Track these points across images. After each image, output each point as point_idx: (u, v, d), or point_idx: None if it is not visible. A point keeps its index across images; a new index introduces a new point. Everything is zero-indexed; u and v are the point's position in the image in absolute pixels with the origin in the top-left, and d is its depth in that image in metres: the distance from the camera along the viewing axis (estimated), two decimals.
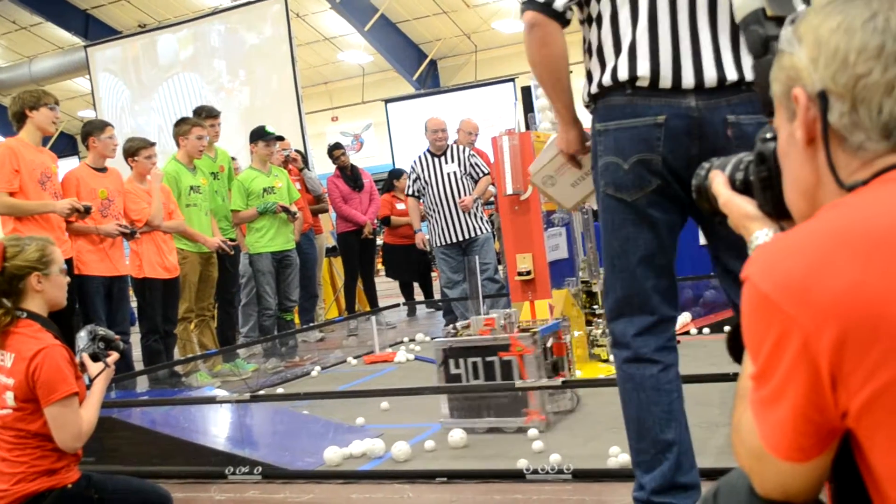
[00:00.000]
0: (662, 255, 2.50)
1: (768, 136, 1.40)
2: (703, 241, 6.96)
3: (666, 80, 2.37)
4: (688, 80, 2.37)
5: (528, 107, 6.61)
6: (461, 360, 4.44)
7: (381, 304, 9.61)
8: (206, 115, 7.45)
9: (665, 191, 2.42)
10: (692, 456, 2.51)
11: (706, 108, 2.37)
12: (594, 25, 2.48)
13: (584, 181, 2.79)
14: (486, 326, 4.52)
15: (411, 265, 10.26)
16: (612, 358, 5.69)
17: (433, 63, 22.59)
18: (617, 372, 2.59)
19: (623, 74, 2.40)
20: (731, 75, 2.36)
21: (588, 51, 2.52)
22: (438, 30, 21.36)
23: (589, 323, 5.86)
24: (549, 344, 4.52)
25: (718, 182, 1.55)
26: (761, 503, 1.25)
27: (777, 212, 1.42)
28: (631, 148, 2.40)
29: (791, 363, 1.09)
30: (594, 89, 2.48)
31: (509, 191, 5.41)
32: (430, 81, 22.31)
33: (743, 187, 1.51)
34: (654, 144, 2.38)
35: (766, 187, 1.42)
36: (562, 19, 2.45)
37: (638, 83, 2.39)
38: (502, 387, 4.18)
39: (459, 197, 7.82)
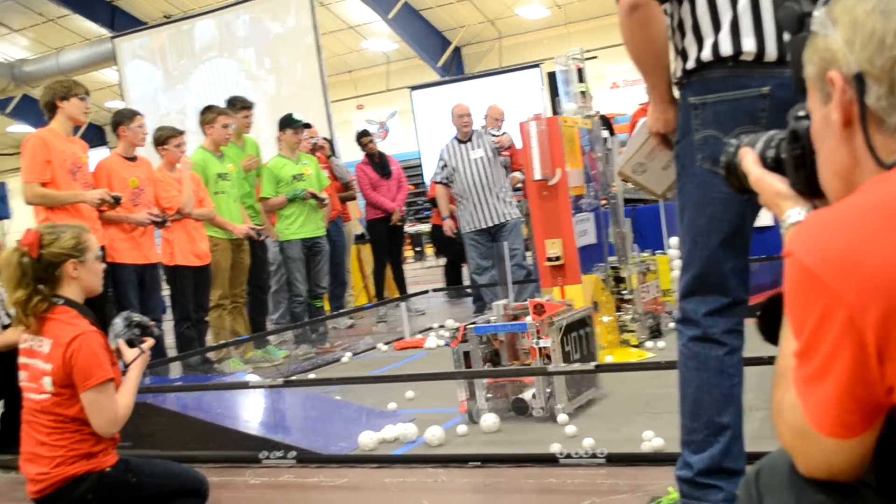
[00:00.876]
0: (743, 236, 2.47)
1: (801, 113, 1.39)
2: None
3: (771, 55, 2.34)
4: None
5: (555, 92, 6.57)
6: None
7: (410, 290, 9.63)
8: (240, 105, 7.48)
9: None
10: (742, 443, 2.49)
11: None
12: (686, 3, 2.43)
13: (674, 163, 2.74)
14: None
15: (460, 245, 10.25)
16: (646, 343, 5.71)
17: (457, 50, 22.53)
18: (680, 348, 2.54)
19: (726, 50, 2.36)
20: None
21: (680, 28, 2.47)
22: (462, 16, 21.29)
23: (619, 308, 5.85)
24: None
25: (749, 160, 1.54)
26: (803, 482, 1.25)
27: (810, 190, 1.40)
28: (733, 121, 2.36)
29: (836, 338, 1.09)
30: (691, 65, 2.43)
31: (538, 176, 5.39)
32: (454, 68, 22.25)
33: (774, 165, 1.49)
34: (758, 116, 2.34)
35: (799, 165, 1.41)
36: None
37: (742, 58, 2.36)
38: (533, 371, 4.18)
39: (488, 182, 7.81)
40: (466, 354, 4.49)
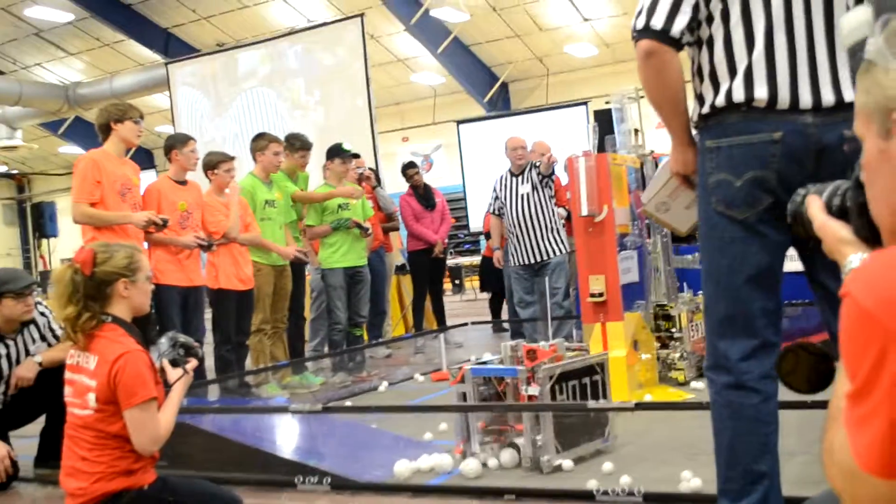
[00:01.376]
0: (771, 276, 2.46)
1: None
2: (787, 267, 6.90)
3: (784, 102, 2.37)
4: (805, 101, 2.36)
5: (606, 130, 6.56)
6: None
7: (449, 322, 9.63)
8: (298, 146, 7.55)
9: (777, 209, 2.34)
10: (780, 490, 2.47)
11: (823, 125, 2.36)
12: (705, 48, 2.47)
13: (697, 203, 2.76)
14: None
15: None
16: (692, 382, 5.66)
17: (504, 85, 22.65)
18: (713, 396, 2.53)
19: (739, 96, 2.39)
20: (849, 95, 2.33)
21: (699, 73, 2.51)
22: (510, 53, 21.41)
23: (665, 346, 5.81)
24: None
25: (815, 206, 1.53)
26: None
27: (874, 236, 1.40)
28: (744, 165, 2.39)
29: (892, 378, 1.08)
30: (706, 110, 2.47)
31: (585, 212, 5.38)
32: (500, 104, 22.36)
33: (839, 213, 1.49)
34: (769, 161, 2.36)
35: (863, 213, 1.39)
36: (678, 45, 2.46)
37: (754, 104, 2.39)
38: (575, 407, 4.15)
39: (534, 217, 7.77)
40: (464, 395, 4.32)
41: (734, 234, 2.43)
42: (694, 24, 2.46)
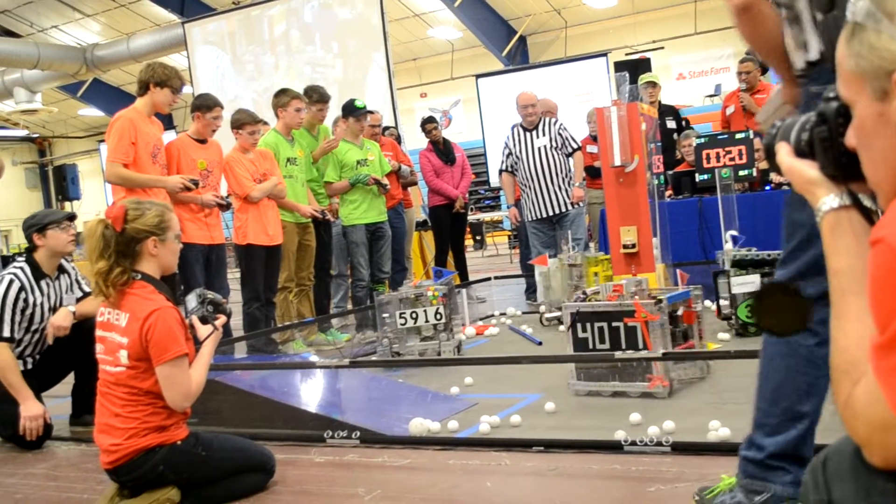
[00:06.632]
0: None
1: (832, 94, 1.36)
2: None
3: None
4: None
5: (632, 79, 6.46)
6: (588, 325, 4.47)
7: (471, 278, 9.66)
8: (316, 98, 7.50)
9: None
10: (814, 435, 2.48)
11: None
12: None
13: None
14: (615, 292, 4.51)
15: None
16: (718, 333, 5.66)
17: (523, 39, 22.47)
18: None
19: None
20: None
21: (797, 21, 2.48)
22: (528, 5, 21.22)
23: None
24: (679, 312, 4.50)
25: (782, 152, 1.50)
26: (870, 471, 1.23)
27: (841, 173, 1.37)
28: None
29: None
30: (813, 56, 2.43)
31: (616, 162, 5.31)
32: (519, 58, 22.19)
33: (808, 148, 1.46)
34: None
35: (826, 148, 1.38)
36: None
37: None
38: (604, 357, 4.16)
39: (551, 170, 7.81)
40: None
41: None
42: None
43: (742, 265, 5.69)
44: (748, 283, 5.48)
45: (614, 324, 4.40)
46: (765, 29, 2.48)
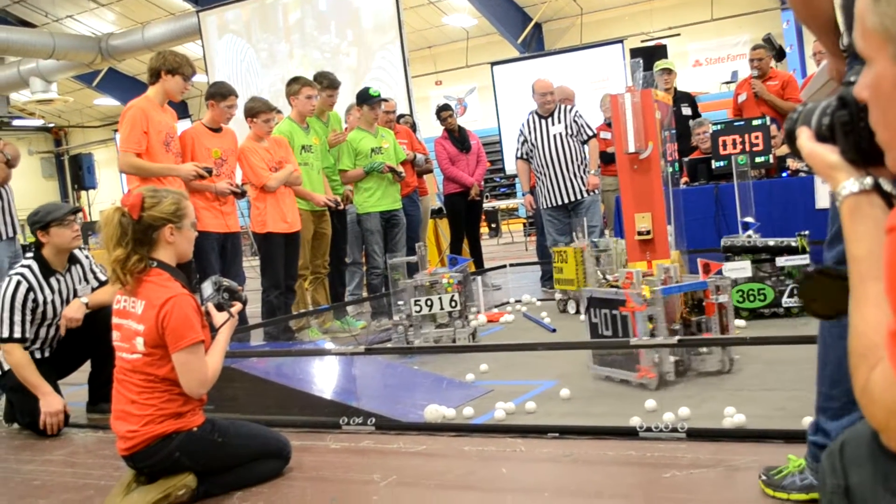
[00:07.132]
0: None
1: (852, 79, 1.34)
2: (819, 204, 6.74)
3: None
4: None
5: (648, 66, 6.44)
6: (597, 311, 4.51)
7: (486, 266, 9.65)
8: (326, 84, 7.50)
9: None
10: None
11: None
12: None
13: None
14: (627, 280, 4.52)
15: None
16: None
17: (538, 26, 22.38)
18: None
19: None
20: None
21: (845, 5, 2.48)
22: None
23: None
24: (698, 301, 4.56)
25: (803, 137, 1.48)
26: (888, 456, 1.23)
27: (861, 157, 1.35)
28: None
29: None
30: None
31: (631, 149, 5.29)
32: (534, 45, 22.12)
33: (829, 133, 1.44)
34: None
35: (847, 132, 1.36)
36: None
37: None
38: (619, 344, 4.16)
39: (566, 158, 7.81)
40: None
41: None
42: None
43: (734, 251, 5.78)
44: (738, 269, 5.61)
45: (613, 312, 4.44)
46: (816, 4, 2.47)
